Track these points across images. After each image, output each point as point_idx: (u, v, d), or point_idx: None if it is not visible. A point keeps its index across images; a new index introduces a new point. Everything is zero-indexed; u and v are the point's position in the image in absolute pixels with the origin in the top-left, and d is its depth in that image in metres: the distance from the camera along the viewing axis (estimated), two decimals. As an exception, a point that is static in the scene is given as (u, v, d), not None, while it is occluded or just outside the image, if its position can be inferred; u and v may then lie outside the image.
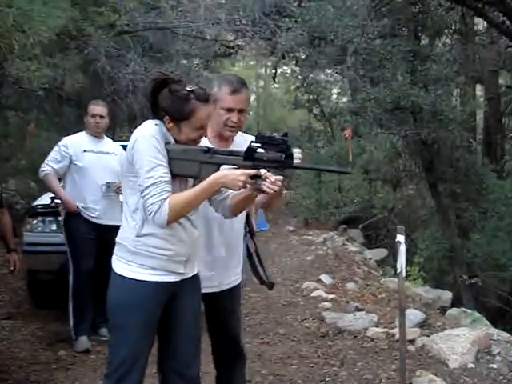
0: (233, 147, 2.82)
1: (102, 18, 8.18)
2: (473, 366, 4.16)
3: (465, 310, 6.57)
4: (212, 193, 2.40)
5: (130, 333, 2.44)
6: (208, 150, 2.42)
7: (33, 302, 5.85)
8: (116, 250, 2.53)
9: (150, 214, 2.33)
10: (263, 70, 29.34)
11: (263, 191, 2.34)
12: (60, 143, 4.88)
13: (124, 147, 8.21)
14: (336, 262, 8.73)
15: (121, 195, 4.89)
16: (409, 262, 11.49)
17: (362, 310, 5.87)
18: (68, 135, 5.03)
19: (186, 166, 2.40)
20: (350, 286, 7.15)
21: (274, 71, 21.43)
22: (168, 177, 2.36)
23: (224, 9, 10.06)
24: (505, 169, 9.80)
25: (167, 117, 2.39)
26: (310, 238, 11.02)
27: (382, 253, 10.47)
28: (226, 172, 2.35)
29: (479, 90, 15.86)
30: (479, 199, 9.20)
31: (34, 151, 8.79)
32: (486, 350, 4.36)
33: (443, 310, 6.95)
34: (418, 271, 8.42)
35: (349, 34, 7.94)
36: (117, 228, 4.77)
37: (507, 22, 7.68)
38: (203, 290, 2.80)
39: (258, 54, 16.66)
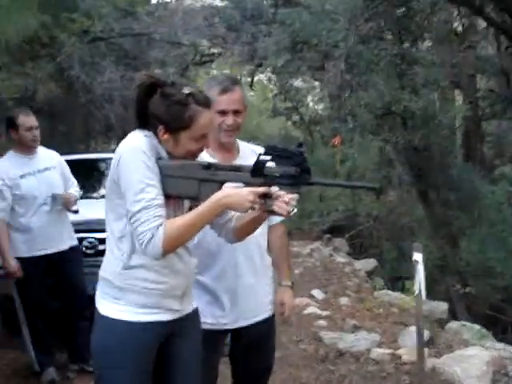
0: (239, 160, 2.46)
1: (75, 24, 7.77)
2: (490, 390, 3.85)
3: (464, 323, 6.31)
4: (215, 216, 2.00)
5: (119, 384, 2.05)
6: (209, 166, 2.03)
7: (7, 330, 5.41)
8: (100, 286, 2.14)
9: (141, 245, 1.94)
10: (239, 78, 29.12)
11: (275, 213, 1.97)
12: None
13: (96, 161, 7.64)
14: (326, 274, 8.44)
15: (73, 213, 4.44)
16: (398, 272, 11.26)
17: (359, 327, 5.55)
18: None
19: (182, 185, 2.01)
20: (344, 300, 6.82)
21: (250, 79, 21.20)
22: (161, 199, 1.98)
23: (202, 14, 9.73)
24: (494, 174, 9.59)
25: (161, 127, 2.00)
26: (295, 249, 10.68)
27: (370, 263, 10.15)
28: (231, 191, 1.96)
29: (456, 95, 15.84)
30: (470, 206, 8.97)
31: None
32: (503, 372, 4.05)
33: (441, 322, 6.68)
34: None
35: (334, 38, 7.64)
36: (68, 252, 4.34)
37: (508, 20, 7.42)
38: (227, 326, 2.48)
39: (236, 62, 16.42)
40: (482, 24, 13.02)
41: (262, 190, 1.94)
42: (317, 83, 18.40)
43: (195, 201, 2.04)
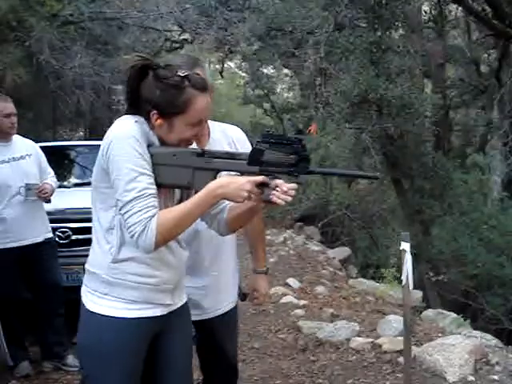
0: (210, 146, 2.35)
1: (45, 7, 7.51)
2: (473, 378, 3.82)
3: (441, 311, 6.35)
4: (209, 207, 1.90)
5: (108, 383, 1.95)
6: (202, 153, 1.94)
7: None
8: (86, 280, 2.02)
9: (132, 237, 1.83)
10: (207, 66, 28.84)
11: (273, 203, 1.88)
12: None
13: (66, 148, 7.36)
14: (300, 263, 8.41)
15: (44, 202, 4.27)
16: (370, 260, 11.30)
17: (337, 316, 5.53)
18: None
19: (175, 174, 1.89)
20: (320, 289, 6.80)
21: (220, 66, 21.06)
22: (154, 189, 1.86)
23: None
24: (466, 163, 9.69)
25: (155, 111, 1.87)
26: (269, 237, 10.60)
27: (344, 252, 10.18)
28: (227, 180, 1.86)
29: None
30: (443, 194, 9.03)
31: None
32: (484, 360, 4.04)
33: (416, 310, 6.71)
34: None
35: (310, 25, 7.56)
36: (43, 245, 4.17)
37: (487, 9, 7.42)
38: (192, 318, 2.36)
39: (207, 49, 16.24)
40: (452, 14, 13.12)
41: (259, 179, 1.85)
42: (287, 71, 18.33)
43: (189, 190, 1.94)
